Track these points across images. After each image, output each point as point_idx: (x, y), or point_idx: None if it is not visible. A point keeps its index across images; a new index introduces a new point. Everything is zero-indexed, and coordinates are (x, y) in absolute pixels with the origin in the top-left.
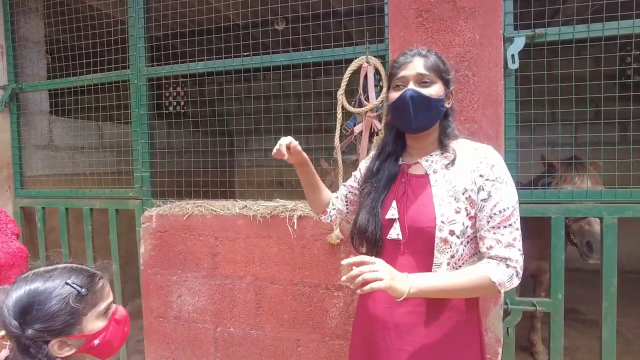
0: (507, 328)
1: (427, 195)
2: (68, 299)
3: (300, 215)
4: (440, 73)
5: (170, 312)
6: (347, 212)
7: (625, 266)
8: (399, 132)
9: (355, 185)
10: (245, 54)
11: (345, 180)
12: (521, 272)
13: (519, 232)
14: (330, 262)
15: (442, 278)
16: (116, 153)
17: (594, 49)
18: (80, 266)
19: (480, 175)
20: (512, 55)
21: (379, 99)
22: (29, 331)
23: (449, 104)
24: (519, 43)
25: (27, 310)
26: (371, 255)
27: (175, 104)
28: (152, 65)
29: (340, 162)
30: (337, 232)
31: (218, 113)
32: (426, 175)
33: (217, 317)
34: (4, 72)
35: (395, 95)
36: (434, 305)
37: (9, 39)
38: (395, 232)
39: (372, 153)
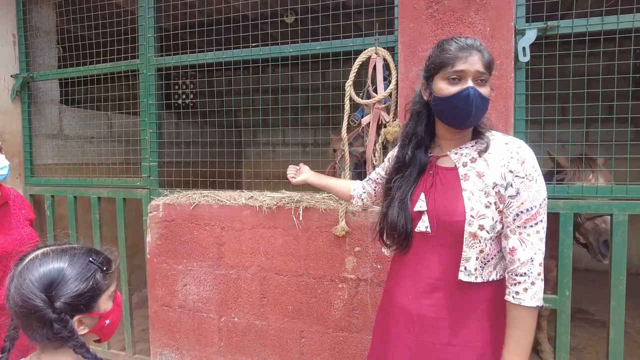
0: None
1: (456, 189)
2: (94, 276)
3: (306, 207)
4: (490, 67)
5: (175, 301)
6: (376, 197)
7: (637, 268)
8: (429, 123)
9: (383, 173)
10: (254, 44)
11: (351, 170)
12: (543, 273)
13: (544, 230)
14: (335, 254)
15: (516, 351)
16: (124, 143)
17: (607, 44)
18: (95, 247)
19: (510, 171)
20: (524, 48)
21: (387, 90)
22: (58, 304)
23: (491, 94)
24: (531, 36)
25: (54, 285)
26: (400, 250)
27: (184, 96)
28: (162, 56)
29: (347, 153)
30: (342, 224)
31: (226, 106)
32: (455, 168)
33: (221, 307)
34: (16, 61)
35: (450, 89)
36: (459, 299)
37: (21, 28)
38: (423, 225)
39: (400, 143)
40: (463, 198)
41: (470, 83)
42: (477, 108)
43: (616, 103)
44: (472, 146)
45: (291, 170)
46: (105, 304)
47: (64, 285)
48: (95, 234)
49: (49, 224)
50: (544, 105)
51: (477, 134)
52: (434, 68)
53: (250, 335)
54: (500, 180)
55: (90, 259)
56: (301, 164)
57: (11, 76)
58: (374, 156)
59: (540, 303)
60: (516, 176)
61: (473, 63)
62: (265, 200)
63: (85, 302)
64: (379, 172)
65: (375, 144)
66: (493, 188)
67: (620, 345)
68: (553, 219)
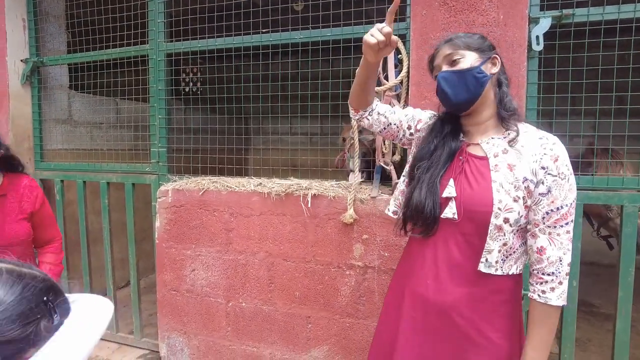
0: None
1: (485, 179)
2: (37, 323)
3: (314, 194)
4: (469, 46)
5: (183, 286)
6: (384, 128)
7: None
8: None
9: (405, 119)
10: (263, 30)
11: (359, 159)
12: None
13: (572, 228)
14: (343, 241)
15: (540, 346)
16: (133, 129)
17: (623, 34)
18: (57, 285)
19: (542, 167)
20: (537, 37)
21: (398, 78)
22: None
23: (495, 69)
24: (545, 24)
25: None
26: (424, 234)
27: (191, 84)
28: (171, 42)
29: (356, 141)
30: (350, 211)
31: (233, 95)
32: (486, 157)
33: (229, 292)
34: (26, 45)
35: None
36: (477, 289)
37: (30, 13)
38: (451, 212)
39: (429, 112)
40: (492, 189)
41: (443, 69)
42: (450, 85)
43: (630, 94)
44: (504, 137)
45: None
46: None
47: None
48: (104, 218)
49: (58, 209)
50: (556, 96)
51: (502, 119)
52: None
53: (258, 320)
54: (531, 176)
55: (46, 298)
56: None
57: (21, 61)
58: (384, 144)
59: (565, 302)
60: (548, 173)
61: (442, 53)
62: (273, 187)
63: (8, 353)
64: (400, 119)
65: None
66: (523, 182)
67: (627, 337)
68: None
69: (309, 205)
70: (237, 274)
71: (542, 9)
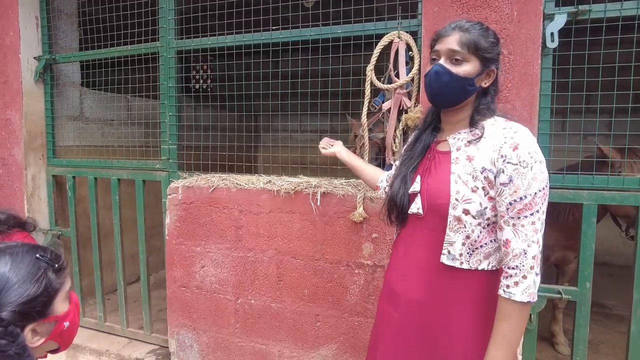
0: (531, 315)
1: (445, 172)
2: (45, 275)
3: (324, 192)
4: (477, 50)
5: (193, 282)
6: None
7: None
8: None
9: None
10: (274, 28)
11: (372, 157)
12: (539, 267)
13: (542, 222)
14: (352, 239)
15: (502, 344)
16: (144, 126)
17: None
18: (37, 244)
19: (502, 156)
20: (552, 34)
21: (409, 75)
22: (4, 314)
23: (487, 83)
24: (560, 21)
25: None
26: (398, 227)
27: (201, 81)
28: (182, 39)
29: (366, 139)
30: (360, 210)
31: (243, 92)
32: (449, 152)
33: (238, 289)
34: (39, 43)
35: (428, 68)
36: (445, 284)
37: (43, 11)
38: (415, 207)
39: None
40: (450, 181)
41: (441, 61)
42: (439, 83)
43: None
44: (470, 131)
45: (323, 142)
46: (61, 305)
47: (9, 291)
48: (115, 215)
49: (70, 205)
50: (571, 94)
51: (472, 121)
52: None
53: (266, 317)
54: (490, 165)
55: (37, 255)
56: (334, 140)
57: (34, 58)
58: (394, 142)
59: (532, 299)
60: (508, 162)
61: (448, 43)
62: (283, 185)
63: (39, 307)
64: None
65: (395, 130)
66: (482, 172)
67: None
68: (573, 211)
69: (318, 204)
70: (246, 271)
71: (557, 4)
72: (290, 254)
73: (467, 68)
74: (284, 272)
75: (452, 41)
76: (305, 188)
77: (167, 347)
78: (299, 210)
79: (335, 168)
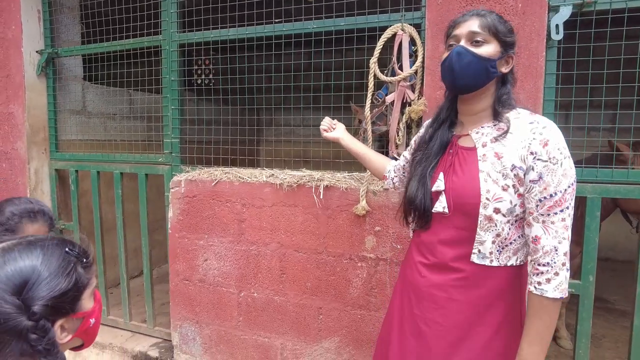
0: None
1: (473, 170)
2: (75, 270)
3: (326, 185)
4: (497, 33)
5: (196, 276)
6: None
7: None
8: (454, 98)
9: (410, 156)
10: (276, 20)
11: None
12: (569, 263)
13: (571, 218)
14: (355, 233)
15: (536, 340)
16: (146, 120)
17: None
18: (66, 238)
19: (532, 153)
20: (557, 26)
21: (413, 68)
22: (36, 307)
23: (507, 68)
24: (565, 13)
25: (28, 285)
26: (420, 228)
27: (204, 75)
28: (184, 32)
29: (370, 132)
30: (363, 203)
31: (245, 86)
32: (474, 148)
33: (241, 282)
34: (41, 37)
35: (445, 55)
36: (472, 282)
37: (45, 4)
38: (441, 206)
39: (426, 122)
40: (479, 179)
41: (462, 43)
42: (461, 64)
43: None
44: (494, 125)
45: (325, 123)
46: (88, 302)
47: (41, 284)
48: (118, 208)
49: (73, 199)
50: (575, 87)
51: (495, 113)
52: (444, 43)
53: (269, 310)
54: (520, 163)
55: (67, 249)
56: (336, 121)
57: (37, 52)
58: (397, 135)
59: (564, 294)
60: (538, 159)
61: (468, 26)
62: (286, 178)
63: (68, 302)
64: (406, 156)
65: (399, 123)
66: (512, 170)
67: None
68: (580, 203)
69: (321, 197)
70: (249, 265)
71: None
72: (293, 247)
73: (489, 49)
74: (286, 265)
75: (472, 24)
76: (308, 181)
77: (170, 340)
78: (302, 203)
79: (338, 162)
